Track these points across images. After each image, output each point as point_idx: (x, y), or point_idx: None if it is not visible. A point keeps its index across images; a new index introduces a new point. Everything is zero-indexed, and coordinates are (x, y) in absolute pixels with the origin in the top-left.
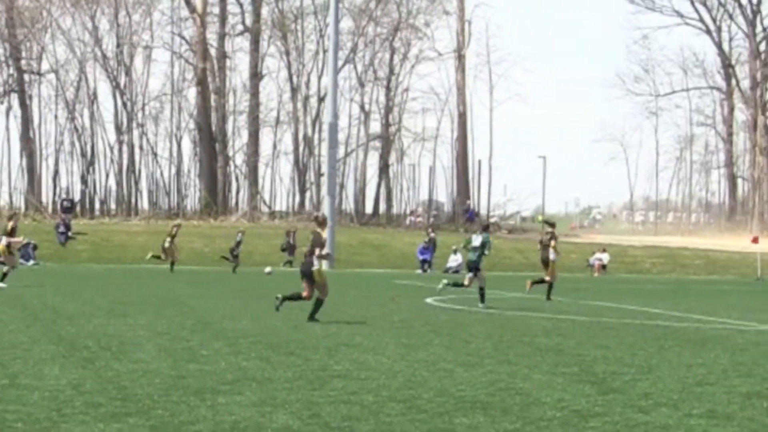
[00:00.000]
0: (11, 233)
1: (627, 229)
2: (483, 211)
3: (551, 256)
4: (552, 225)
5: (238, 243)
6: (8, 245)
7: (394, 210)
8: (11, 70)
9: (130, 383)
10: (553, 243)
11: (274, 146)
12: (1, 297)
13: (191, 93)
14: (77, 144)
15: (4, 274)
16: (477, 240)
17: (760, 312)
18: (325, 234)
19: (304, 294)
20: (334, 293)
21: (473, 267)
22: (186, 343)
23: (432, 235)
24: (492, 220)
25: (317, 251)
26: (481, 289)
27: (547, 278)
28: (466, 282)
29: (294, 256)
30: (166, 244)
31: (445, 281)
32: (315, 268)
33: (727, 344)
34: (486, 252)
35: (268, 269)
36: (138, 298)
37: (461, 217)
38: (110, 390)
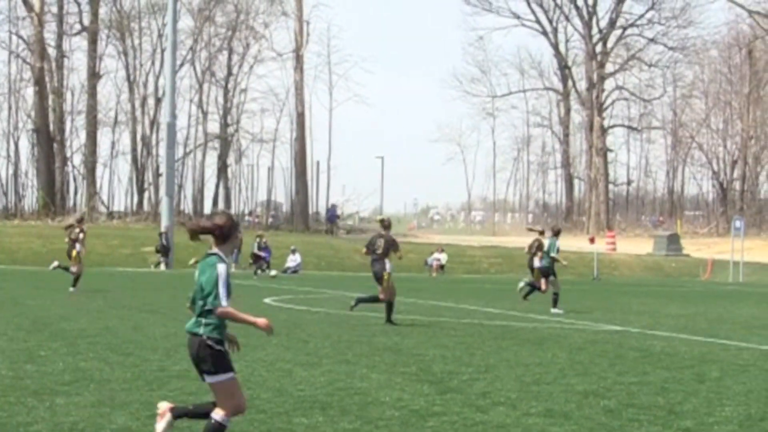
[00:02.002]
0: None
1: (465, 230)
2: (322, 212)
3: (536, 262)
4: (542, 232)
5: (262, 248)
6: (78, 252)
7: (233, 210)
8: None
9: None
10: (540, 253)
11: (113, 146)
12: None
13: (29, 93)
14: None
15: (76, 279)
16: (547, 245)
17: (597, 311)
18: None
19: (381, 296)
20: (172, 294)
21: (546, 272)
22: (24, 344)
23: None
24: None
25: (395, 254)
26: (555, 294)
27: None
28: (542, 287)
29: (168, 258)
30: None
31: (526, 279)
32: (387, 271)
33: (564, 344)
34: (553, 254)
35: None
36: None
37: (325, 217)
38: None
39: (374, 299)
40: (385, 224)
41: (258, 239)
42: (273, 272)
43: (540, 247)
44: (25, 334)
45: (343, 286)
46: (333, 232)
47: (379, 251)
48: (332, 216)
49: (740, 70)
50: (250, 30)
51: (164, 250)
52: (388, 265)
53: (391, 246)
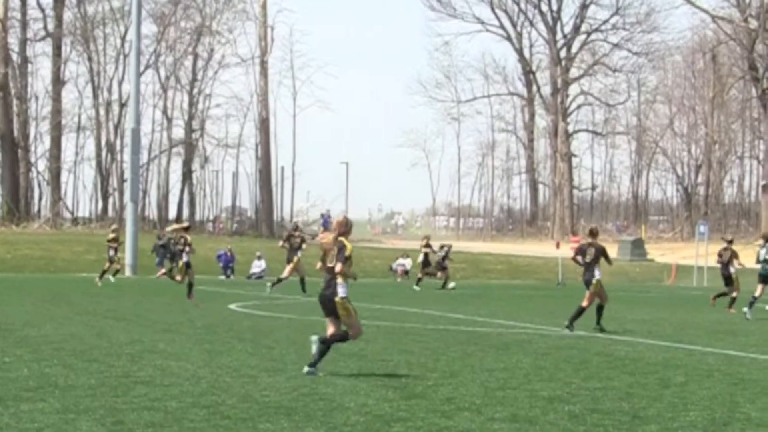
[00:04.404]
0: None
1: (429, 235)
2: (286, 217)
3: (732, 270)
4: (731, 242)
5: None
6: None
7: (198, 216)
8: None
9: None
10: (737, 261)
11: (77, 152)
12: None
13: None
14: None
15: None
16: (763, 252)
17: (562, 316)
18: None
19: (584, 303)
20: (136, 301)
21: (764, 278)
22: None
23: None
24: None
25: (606, 261)
26: (756, 299)
27: (734, 294)
28: (757, 293)
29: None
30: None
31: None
32: (597, 278)
33: (529, 349)
34: None
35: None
36: None
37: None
38: None
39: (581, 311)
40: (594, 233)
41: (444, 249)
42: (452, 284)
43: (735, 255)
44: None
45: (309, 292)
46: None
47: (588, 259)
48: (326, 223)
49: (704, 75)
50: (214, 35)
51: (171, 255)
52: (597, 272)
53: (601, 253)
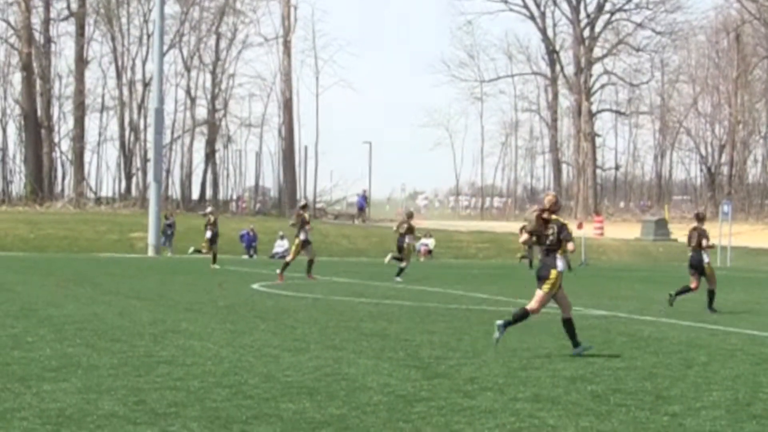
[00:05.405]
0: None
1: (453, 215)
2: (310, 197)
3: None
4: None
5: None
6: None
7: (221, 196)
8: None
9: None
10: None
11: (100, 132)
12: None
13: (17, 78)
14: None
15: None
16: None
17: (584, 296)
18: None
19: (693, 285)
20: (159, 280)
21: None
22: (11, 330)
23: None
24: (318, 205)
25: (704, 243)
26: None
27: None
28: None
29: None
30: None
31: None
32: (706, 262)
33: (552, 329)
34: None
35: None
36: None
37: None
38: None
39: (687, 290)
40: (701, 217)
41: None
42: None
43: None
44: (13, 320)
45: (330, 272)
46: (363, 219)
47: (693, 243)
48: (361, 203)
49: (728, 55)
50: (237, 14)
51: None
52: (705, 256)
53: (702, 236)
